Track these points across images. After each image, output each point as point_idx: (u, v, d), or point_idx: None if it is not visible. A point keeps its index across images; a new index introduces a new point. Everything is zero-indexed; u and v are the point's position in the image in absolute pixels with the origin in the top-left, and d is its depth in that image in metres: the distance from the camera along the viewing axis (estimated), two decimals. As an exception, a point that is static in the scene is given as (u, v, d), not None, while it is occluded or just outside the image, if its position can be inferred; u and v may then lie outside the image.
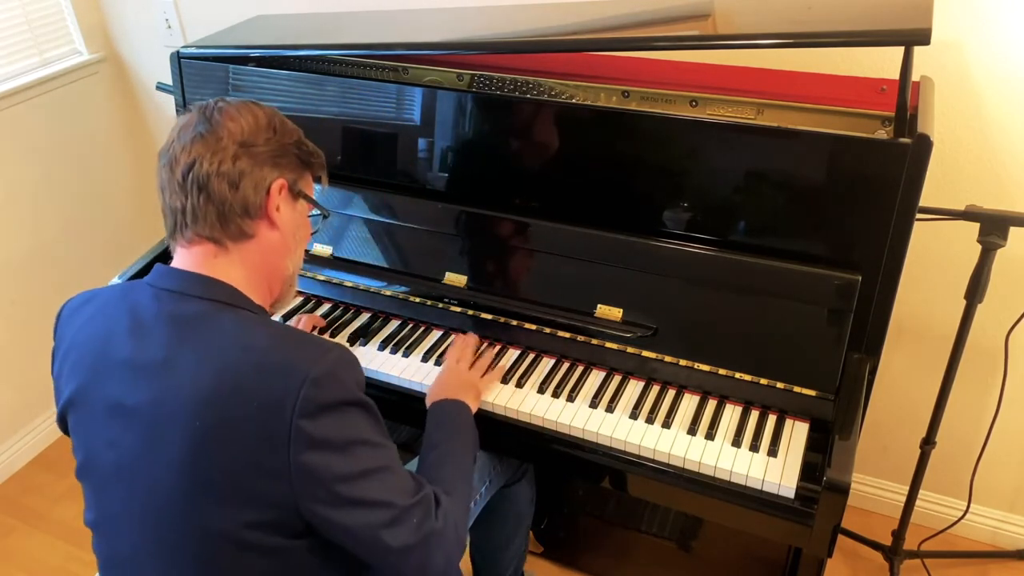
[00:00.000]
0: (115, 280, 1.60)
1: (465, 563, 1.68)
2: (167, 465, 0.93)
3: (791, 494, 1.19)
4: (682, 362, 1.35)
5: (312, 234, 1.17)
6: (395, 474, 0.98)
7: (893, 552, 1.81)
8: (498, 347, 1.48)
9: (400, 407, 1.43)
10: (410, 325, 1.55)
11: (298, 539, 0.95)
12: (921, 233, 1.51)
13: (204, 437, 0.91)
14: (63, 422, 1.06)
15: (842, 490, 1.11)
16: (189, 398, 0.92)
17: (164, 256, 1.64)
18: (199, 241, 1.02)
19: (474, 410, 1.28)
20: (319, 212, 1.15)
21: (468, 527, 1.16)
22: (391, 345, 1.50)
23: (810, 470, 1.21)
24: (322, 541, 0.97)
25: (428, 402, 1.28)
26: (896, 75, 1.23)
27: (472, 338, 1.46)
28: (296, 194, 1.08)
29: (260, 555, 0.94)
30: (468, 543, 1.66)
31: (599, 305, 1.40)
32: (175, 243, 1.04)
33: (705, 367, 1.34)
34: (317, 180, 1.15)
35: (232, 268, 1.03)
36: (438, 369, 1.43)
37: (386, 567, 1.00)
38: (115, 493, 0.99)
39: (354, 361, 0.98)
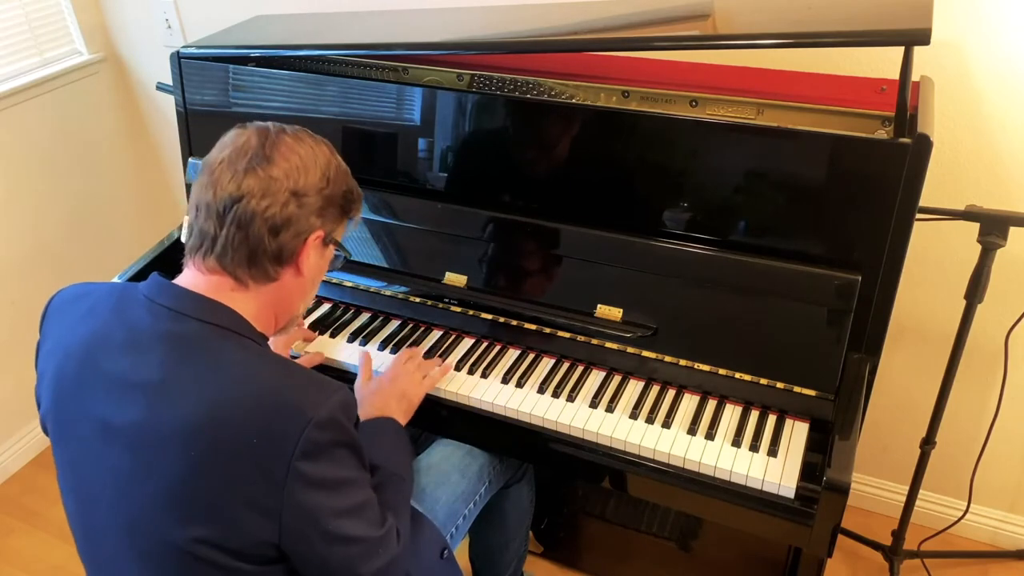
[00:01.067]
0: (115, 280, 1.60)
1: (464, 564, 1.68)
2: (155, 489, 0.92)
3: (791, 494, 1.19)
4: (682, 362, 1.35)
5: (327, 272, 1.16)
6: (371, 508, 1.01)
7: (893, 552, 1.81)
8: (498, 347, 1.48)
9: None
10: (410, 325, 1.55)
11: (267, 565, 0.96)
12: (921, 233, 1.51)
13: (197, 465, 0.90)
14: (43, 422, 1.05)
15: (842, 490, 1.11)
16: (186, 424, 0.90)
17: (164, 257, 1.64)
18: (219, 272, 0.99)
19: (404, 421, 1.28)
20: (341, 254, 1.13)
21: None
22: (391, 345, 1.50)
23: (810, 470, 1.21)
24: (286, 568, 0.97)
25: (360, 411, 1.25)
26: (896, 75, 1.23)
27: (417, 350, 1.44)
28: (328, 242, 1.06)
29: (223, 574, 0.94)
30: (468, 544, 1.67)
31: (599, 305, 1.40)
32: (192, 260, 1.01)
33: (705, 367, 1.34)
34: (351, 219, 1.13)
35: (246, 303, 1.01)
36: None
37: None
38: (98, 506, 0.98)
39: (353, 403, 0.99)
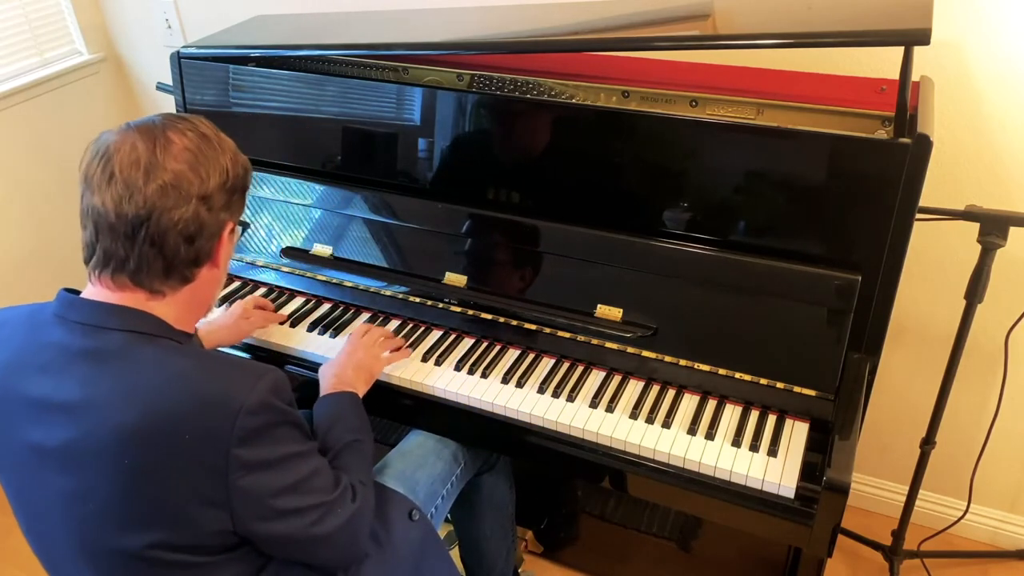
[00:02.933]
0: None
1: (462, 566, 1.68)
2: (99, 504, 0.92)
3: (791, 494, 1.19)
4: (682, 362, 1.35)
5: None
6: (320, 475, 1.02)
7: (893, 552, 1.81)
8: (498, 347, 1.48)
9: (399, 406, 1.44)
10: (410, 325, 1.55)
11: (226, 552, 0.97)
12: (921, 233, 1.51)
13: (135, 472, 0.90)
14: None
15: (842, 490, 1.11)
16: (114, 435, 0.90)
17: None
18: (131, 288, 0.97)
19: (363, 391, 1.31)
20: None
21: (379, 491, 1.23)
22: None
23: (810, 470, 1.21)
24: (252, 550, 0.99)
25: (322, 386, 1.29)
26: (896, 75, 1.23)
27: (381, 329, 1.47)
28: (236, 226, 1.06)
29: (191, 569, 0.95)
30: (458, 545, 1.67)
31: (599, 305, 1.40)
32: (96, 278, 0.98)
33: (705, 367, 1.34)
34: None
35: (165, 309, 0.99)
36: (438, 369, 1.43)
37: (319, 555, 1.04)
38: (49, 529, 0.99)
39: (283, 382, 0.97)
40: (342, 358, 1.36)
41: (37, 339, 0.97)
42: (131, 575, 0.96)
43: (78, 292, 1.00)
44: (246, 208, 1.10)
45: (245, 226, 1.13)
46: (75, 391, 0.92)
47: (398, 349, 1.46)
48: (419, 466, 1.39)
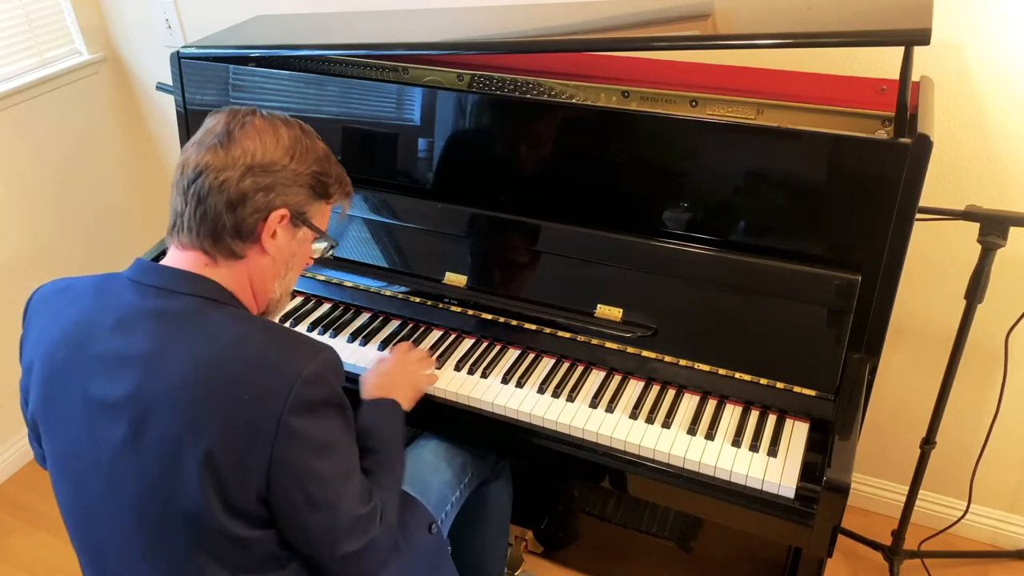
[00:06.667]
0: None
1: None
2: (152, 455, 0.94)
3: (791, 494, 1.19)
4: (682, 362, 1.35)
5: (316, 260, 1.17)
6: (357, 479, 1.02)
7: (893, 552, 1.81)
8: (498, 347, 1.48)
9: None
10: (410, 325, 1.55)
11: (263, 529, 0.98)
12: (921, 233, 1.51)
13: (194, 427, 0.92)
14: (34, 420, 1.05)
15: (842, 490, 1.11)
16: (177, 389, 0.92)
17: (164, 256, 1.64)
18: (192, 248, 1.02)
19: (409, 406, 1.29)
20: (326, 242, 1.14)
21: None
22: (391, 345, 1.50)
23: (810, 470, 1.21)
24: (278, 536, 0.99)
25: (364, 391, 1.28)
26: (896, 75, 1.24)
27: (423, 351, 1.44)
28: (299, 223, 1.07)
29: (233, 543, 0.96)
30: (453, 555, 1.66)
31: (599, 305, 1.40)
32: (171, 241, 1.05)
33: (705, 367, 1.34)
34: (337, 206, 1.14)
35: (223, 278, 1.03)
36: (438, 370, 1.43)
37: (328, 565, 1.03)
38: (94, 484, 0.99)
39: (340, 363, 1.01)
40: (388, 367, 1.34)
41: (109, 301, 1.00)
42: (175, 536, 0.96)
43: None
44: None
45: (331, 243, 1.15)
46: (143, 344, 0.95)
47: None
48: (432, 472, 1.38)
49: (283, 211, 1.03)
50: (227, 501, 0.93)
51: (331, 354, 0.99)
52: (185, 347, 0.94)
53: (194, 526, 0.95)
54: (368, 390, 1.28)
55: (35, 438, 1.10)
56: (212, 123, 1.03)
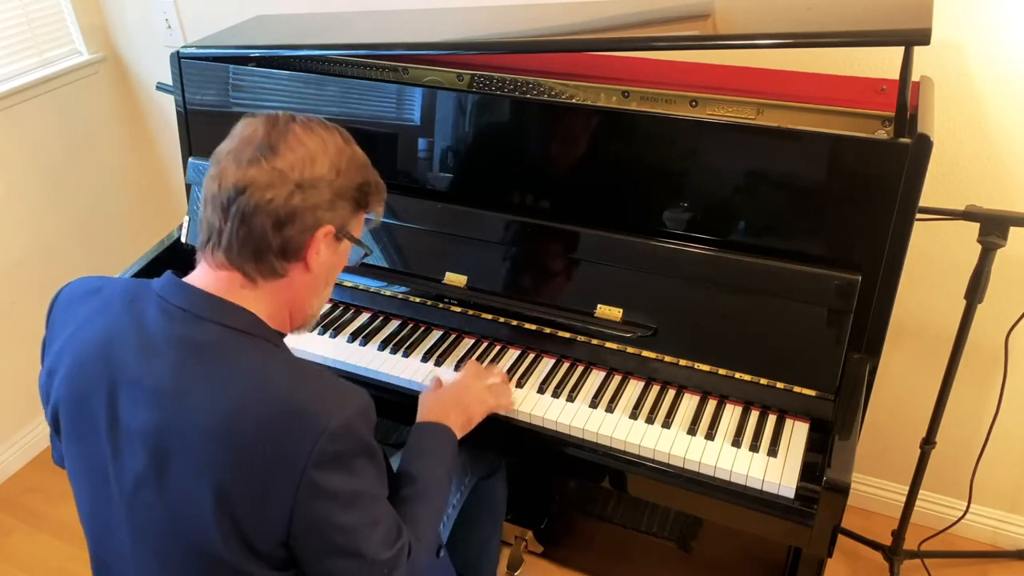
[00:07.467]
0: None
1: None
2: (174, 497, 0.92)
3: (791, 494, 1.19)
4: (682, 362, 1.35)
5: (345, 268, 1.12)
6: (384, 525, 0.97)
7: (893, 552, 1.81)
8: (498, 347, 1.48)
9: (399, 407, 1.43)
10: (410, 325, 1.55)
11: (282, 571, 0.95)
12: (921, 233, 1.51)
13: (215, 477, 0.89)
14: (55, 420, 1.03)
15: (842, 490, 1.11)
16: (204, 433, 0.89)
17: (165, 256, 1.63)
18: (228, 268, 0.96)
19: (460, 434, 1.23)
20: (360, 251, 1.09)
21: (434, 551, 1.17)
22: (391, 345, 1.50)
23: (810, 470, 1.21)
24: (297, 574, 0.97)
25: (419, 412, 1.24)
26: (896, 75, 1.24)
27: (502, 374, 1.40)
28: (341, 237, 1.02)
29: None
30: (450, 556, 1.66)
31: (599, 305, 1.40)
32: (202, 255, 0.99)
33: (705, 367, 1.34)
34: (371, 213, 1.08)
35: (257, 301, 0.98)
36: (438, 369, 1.43)
37: None
38: (112, 504, 0.98)
39: (371, 408, 0.96)
40: (451, 389, 1.30)
41: (137, 317, 0.96)
42: (189, 567, 0.95)
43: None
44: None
45: (365, 252, 1.08)
46: (165, 379, 0.91)
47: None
48: None
49: (329, 227, 0.98)
50: (250, 547, 0.91)
51: (361, 402, 0.93)
52: (208, 387, 0.90)
53: (217, 567, 0.93)
54: (422, 412, 1.25)
55: (56, 436, 1.07)
56: (248, 132, 0.96)
